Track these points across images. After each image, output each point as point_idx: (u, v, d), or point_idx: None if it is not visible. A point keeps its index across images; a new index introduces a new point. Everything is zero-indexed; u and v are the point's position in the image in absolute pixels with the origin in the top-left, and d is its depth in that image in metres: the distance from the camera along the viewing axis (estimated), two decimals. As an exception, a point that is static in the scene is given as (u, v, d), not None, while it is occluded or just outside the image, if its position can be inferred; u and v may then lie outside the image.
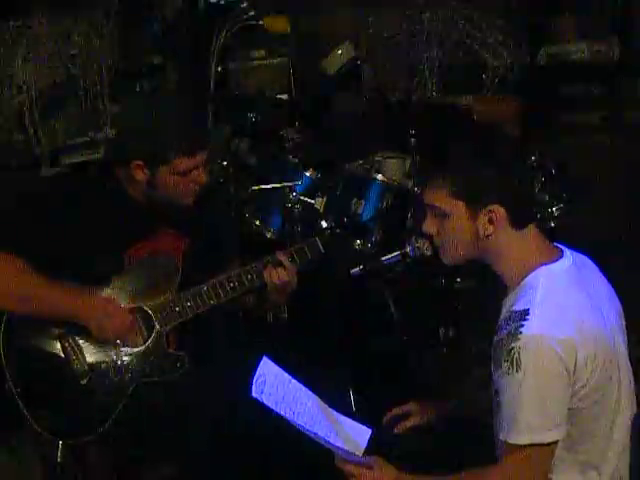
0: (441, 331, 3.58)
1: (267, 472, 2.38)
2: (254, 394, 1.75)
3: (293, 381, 1.88)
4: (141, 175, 2.24)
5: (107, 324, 2.20)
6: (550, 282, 1.75)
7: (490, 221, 1.78)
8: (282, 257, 2.34)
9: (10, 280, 2.16)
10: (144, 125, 2.21)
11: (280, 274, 2.31)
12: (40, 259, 2.17)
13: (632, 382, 1.86)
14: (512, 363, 1.67)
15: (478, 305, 3.58)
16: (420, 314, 3.52)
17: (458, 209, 1.79)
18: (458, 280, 3.53)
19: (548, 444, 1.70)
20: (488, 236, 1.79)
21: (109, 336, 2.22)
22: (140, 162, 2.22)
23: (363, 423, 1.98)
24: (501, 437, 1.72)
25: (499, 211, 1.77)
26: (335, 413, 1.94)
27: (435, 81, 4.84)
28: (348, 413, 2.00)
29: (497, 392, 1.74)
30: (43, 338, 2.21)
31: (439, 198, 1.81)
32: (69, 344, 2.21)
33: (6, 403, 2.17)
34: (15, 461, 2.96)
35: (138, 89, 4.61)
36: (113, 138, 2.44)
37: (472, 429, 2.02)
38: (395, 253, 2.39)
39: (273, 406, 1.75)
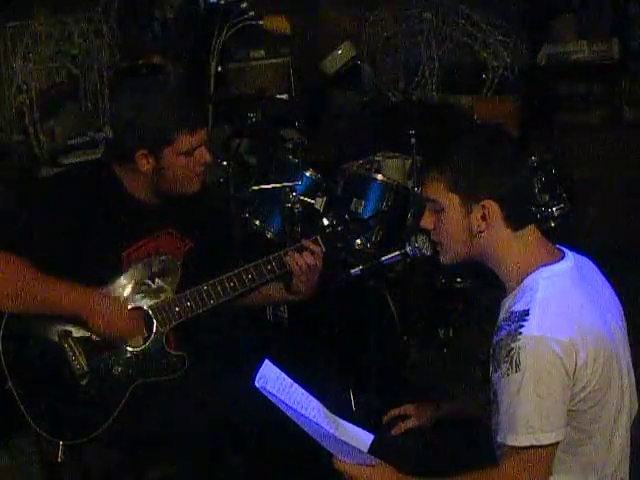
0: (441, 331, 3.59)
1: (268, 471, 2.38)
2: (257, 384, 1.75)
3: (295, 385, 1.87)
4: (146, 165, 2.21)
5: (111, 322, 2.19)
6: (550, 283, 1.73)
7: (483, 217, 1.77)
8: (306, 242, 2.36)
9: (11, 278, 2.15)
10: (141, 112, 2.17)
11: (306, 258, 2.33)
12: (39, 259, 2.16)
13: (634, 384, 1.85)
14: (511, 364, 1.66)
15: (478, 305, 3.59)
16: (420, 314, 3.52)
17: (453, 203, 1.79)
18: (458, 280, 3.54)
19: (547, 446, 1.67)
20: (481, 233, 1.78)
21: (113, 334, 2.21)
22: (144, 151, 2.19)
23: (365, 429, 1.97)
24: (500, 439, 1.71)
25: (492, 207, 1.76)
26: (338, 418, 1.94)
27: (435, 81, 4.85)
28: (350, 417, 2.00)
29: (496, 393, 1.73)
30: (43, 338, 2.20)
31: (436, 191, 1.81)
32: (69, 344, 2.20)
33: (6, 403, 2.17)
34: (15, 461, 2.97)
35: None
36: (112, 136, 2.40)
37: (471, 430, 2.02)
38: (395, 253, 2.38)
39: (275, 400, 1.75)
